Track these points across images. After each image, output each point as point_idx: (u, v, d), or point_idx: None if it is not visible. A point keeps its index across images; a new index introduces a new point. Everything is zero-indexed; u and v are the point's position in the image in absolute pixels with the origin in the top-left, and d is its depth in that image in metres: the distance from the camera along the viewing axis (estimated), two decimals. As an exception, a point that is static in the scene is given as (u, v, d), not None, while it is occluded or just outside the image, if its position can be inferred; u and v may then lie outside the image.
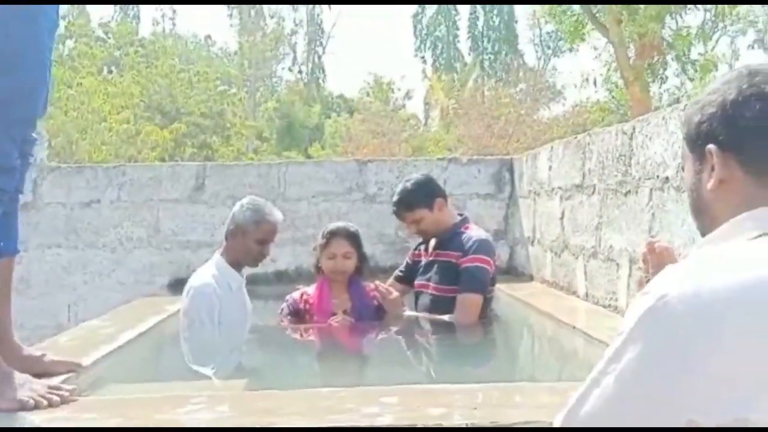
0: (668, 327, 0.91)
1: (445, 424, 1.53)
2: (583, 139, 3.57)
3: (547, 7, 12.33)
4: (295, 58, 32.03)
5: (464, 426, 1.53)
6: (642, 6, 11.14)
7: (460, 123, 16.00)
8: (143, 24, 34.73)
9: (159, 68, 17.85)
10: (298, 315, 3.05)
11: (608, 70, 12.39)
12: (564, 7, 12.25)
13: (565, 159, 3.78)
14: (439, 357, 2.96)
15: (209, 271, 2.95)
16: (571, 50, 32.95)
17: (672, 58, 11.95)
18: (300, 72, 31.85)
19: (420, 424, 1.51)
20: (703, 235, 1.10)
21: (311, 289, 3.11)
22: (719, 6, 11.11)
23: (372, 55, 57.07)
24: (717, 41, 17.47)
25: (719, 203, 1.04)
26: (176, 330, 3.02)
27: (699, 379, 0.89)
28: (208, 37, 32.75)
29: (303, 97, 26.61)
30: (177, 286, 3.88)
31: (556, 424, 1.07)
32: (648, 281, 1.25)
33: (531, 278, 4.21)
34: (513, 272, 4.53)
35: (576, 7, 12.08)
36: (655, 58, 11.41)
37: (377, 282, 3.16)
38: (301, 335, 3.06)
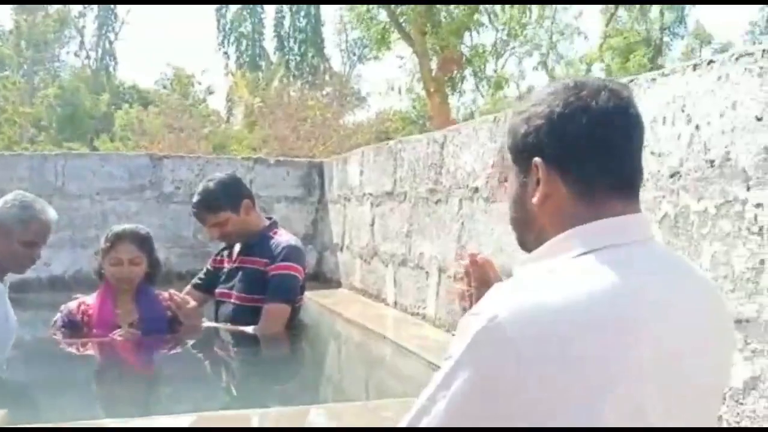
0: (500, 349, 0.89)
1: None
2: (395, 146, 3.55)
3: (355, 12, 12.54)
4: (82, 43, 29.31)
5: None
6: (444, 19, 11.81)
7: (265, 123, 15.68)
8: None
9: None
10: (74, 327, 2.69)
11: (412, 80, 12.93)
12: (373, 13, 12.57)
13: (376, 165, 3.74)
14: (242, 374, 2.74)
15: (-39, 280, 2.43)
16: (376, 58, 34.30)
17: (470, 73, 12.80)
18: (88, 58, 29.22)
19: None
20: (523, 246, 1.08)
21: (91, 299, 2.75)
22: (511, 26, 12.13)
23: (170, 45, 54.27)
24: (506, 61, 19.15)
25: (546, 217, 1.02)
26: None
27: (530, 402, 0.88)
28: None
29: (89, 84, 24.44)
30: None
31: None
32: (471, 295, 1.28)
33: (339, 285, 4.13)
34: (321, 278, 4.43)
35: (384, 15, 12.44)
36: (455, 72, 12.13)
37: (171, 291, 2.86)
38: (78, 350, 2.67)
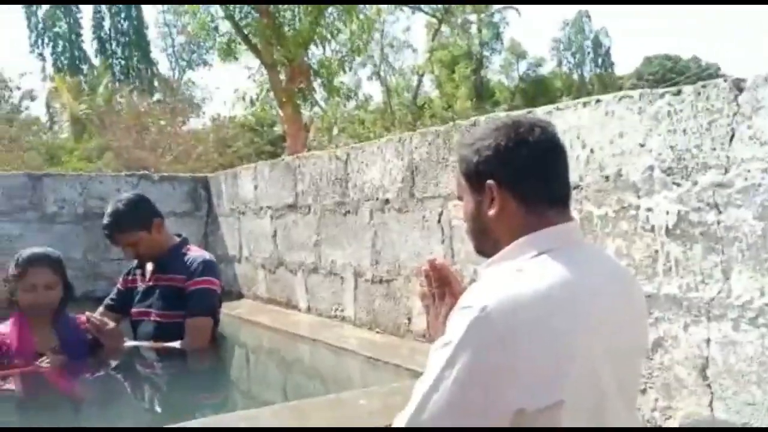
0: (492, 333, 1.10)
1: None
2: (293, 162, 3.75)
3: (199, 23, 12.31)
4: None
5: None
6: (288, 32, 11.98)
7: (97, 132, 14.79)
8: None
9: None
10: None
11: (261, 90, 12.94)
12: (215, 24, 12.42)
13: (272, 180, 3.91)
14: (178, 388, 2.79)
15: None
16: (205, 64, 33.40)
17: (318, 85, 13.09)
18: None
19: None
20: (481, 252, 1.33)
21: (4, 327, 2.65)
22: (354, 42, 12.58)
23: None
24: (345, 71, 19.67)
25: (500, 227, 1.25)
26: None
27: (521, 374, 1.09)
28: None
29: None
30: None
31: (398, 428, 1.19)
32: (433, 294, 1.47)
33: (241, 296, 4.22)
34: (219, 290, 4.46)
35: (228, 26, 12.34)
36: (303, 83, 12.35)
37: (88, 313, 2.84)
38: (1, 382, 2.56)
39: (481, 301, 1.12)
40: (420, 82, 26.83)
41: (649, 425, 1.76)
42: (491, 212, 1.25)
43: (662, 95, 1.75)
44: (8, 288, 2.65)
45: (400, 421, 1.19)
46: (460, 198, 1.36)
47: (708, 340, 1.63)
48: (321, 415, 1.80)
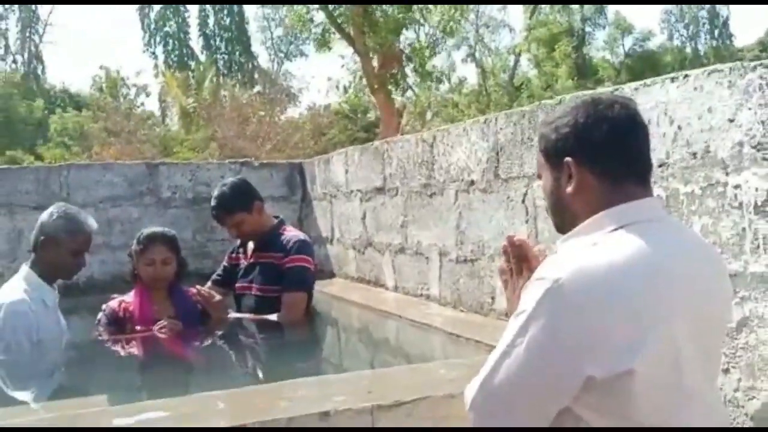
0: (565, 303, 1.13)
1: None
2: (381, 147, 3.90)
3: (295, 13, 12.71)
4: (7, 46, 28.10)
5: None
6: (382, 18, 12.14)
7: (207, 124, 15.63)
8: None
9: None
10: (117, 324, 2.91)
11: (355, 78, 13.23)
12: (312, 14, 12.79)
13: (362, 164, 4.09)
14: (275, 356, 3.03)
15: (19, 286, 2.64)
16: (302, 55, 34.32)
17: (410, 70, 13.20)
18: (15, 62, 28.02)
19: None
20: (559, 228, 1.34)
21: (129, 297, 2.98)
22: (446, 23, 12.56)
23: (98, 47, 52.27)
24: (438, 56, 19.65)
25: (578, 203, 1.27)
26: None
27: (592, 342, 1.12)
28: None
29: (21, 90, 23.45)
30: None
31: (470, 393, 1.27)
32: (511, 269, 1.50)
33: (332, 275, 4.46)
34: (312, 270, 4.73)
35: (323, 17, 12.68)
36: (396, 69, 12.51)
37: (198, 286, 3.13)
38: (124, 346, 2.90)
39: (555, 273, 1.15)
40: (517, 62, 26.27)
41: (731, 405, 1.73)
42: (569, 189, 1.27)
43: (754, 68, 1.69)
44: (131, 263, 2.98)
45: (473, 385, 1.26)
46: (539, 176, 1.38)
47: (795, 320, 1.57)
48: (403, 381, 1.92)
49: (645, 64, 28.23)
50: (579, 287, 1.12)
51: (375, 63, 12.28)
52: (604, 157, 1.25)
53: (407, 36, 13.04)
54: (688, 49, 36.46)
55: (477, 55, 26.05)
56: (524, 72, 27.61)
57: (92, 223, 2.81)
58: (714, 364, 1.31)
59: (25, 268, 2.70)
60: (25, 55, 28.10)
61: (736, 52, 34.03)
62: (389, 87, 12.38)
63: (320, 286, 3.98)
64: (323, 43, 12.54)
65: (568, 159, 1.26)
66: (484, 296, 2.96)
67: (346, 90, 12.81)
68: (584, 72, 27.27)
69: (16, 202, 3.84)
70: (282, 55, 36.46)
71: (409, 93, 16.63)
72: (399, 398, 1.67)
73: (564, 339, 1.14)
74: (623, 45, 30.75)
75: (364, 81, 12.87)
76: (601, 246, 1.18)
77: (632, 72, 27.07)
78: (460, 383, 1.31)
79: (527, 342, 1.16)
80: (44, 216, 2.74)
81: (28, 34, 28.33)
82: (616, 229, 1.20)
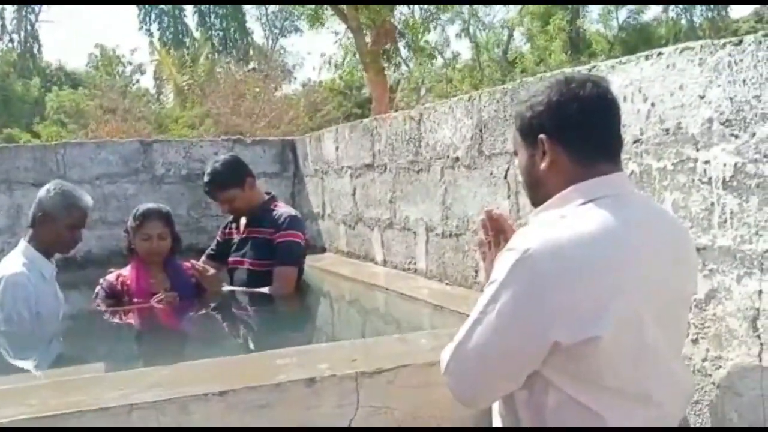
0: (533, 273, 1.18)
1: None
2: (370, 124, 3.97)
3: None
4: (3, 26, 27.85)
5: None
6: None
7: (201, 101, 15.62)
8: None
9: None
10: (115, 297, 3.02)
11: (346, 54, 13.18)
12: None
13: (352, 141, 4.17)
14: (267, 327, 3.14)
15: (18, 260, 2.73)
16: (296, 31, 34.04)
17: (403, 46, 13.15)
18: (11, 41, 27.80)
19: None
20: (534, 203, 1.39)
21: (126, 271, 3.08)
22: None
23: (94, 25, 51.78)
24: (431, 31, 19.54)
25: (551, 179, 1.32)
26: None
27: (558, 310, 1.17)
28: None
29: (18, 69, 23.31)
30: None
31: (445, 358, 1.35)
32: (489, 242, 1.58)
33: (324, 250, 4.56)
34: (304, 245, 4.83)
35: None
36: (389, 45, 12.47)
37: (192, 261, 3.23)
38: (121, 318, 3.00)
39: (525, 243, 1.20)
40: (510, 36, 26.10)
41: (699, 374, 1.76)
42: (543, 165, 1.31)
43: (723, 45, 1.72)
44: (128, 238, 3.07)
45: (447, 350, 1.34)
46: (516, 153, 1.43)
47: (760, 292, 1.61)
48: (386, 350, 2.01)
49: (639, 37, 28.00)
50: (547, 257, 1.17)
51: (368, 39, 12.24)
52: (574, 135, 1.30)
53: (402, 12, 12.99)
54: (684, 21, 36.14)
55: (471, 29, 25.88)
56: (518, 47, 27.46)
57: (88, 199, 2.89)
58: (679, 334, 1.35)
59: (23, 243, 2.79)
60: (22, 34, 27.85)
61: (732, 23, 33.65)
62: (382, 63, 12.36)
63: (311, 261, 4.07)
64: (316, 19, 12.49)
65: (541, 136, 1.31)
66: (468, 270, 3.06)
67: (337, 67, 12.78)
68: (578, 46, 27.11)
69: (14, 179, 3.91)
70: (277, 31, 36.20)
71: (404, 68, 16.58)
72: (381, 366, 1.74)
73: (532, 306, 1.19)
74: (617, 18, 30.50)
75: (358, 57, 12.82)
76: (569, 218, 1.23)
77: (626, 45, 26.88)
78: (440, 352, 1.38)
79: (498, 309, 1.21)
80: (42, 192, 2.82)
81: (24, 13, 28.08)
82: (584, 203, 1.25)
